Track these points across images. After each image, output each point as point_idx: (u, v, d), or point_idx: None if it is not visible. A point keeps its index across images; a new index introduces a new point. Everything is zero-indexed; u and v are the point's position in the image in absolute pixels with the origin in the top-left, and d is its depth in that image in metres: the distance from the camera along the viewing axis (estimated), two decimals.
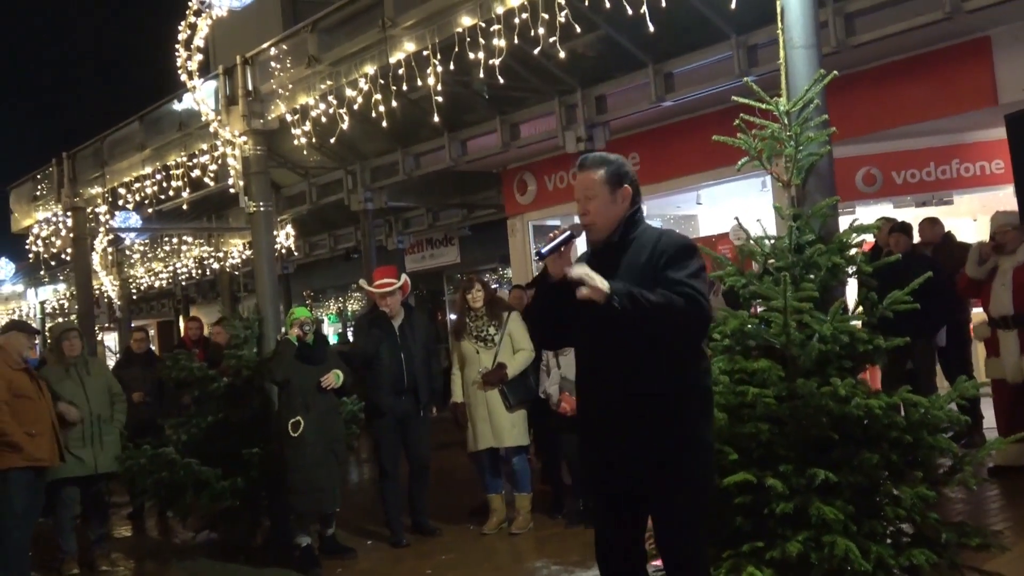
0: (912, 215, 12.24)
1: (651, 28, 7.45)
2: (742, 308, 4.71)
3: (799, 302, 4.23)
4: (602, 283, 3.44)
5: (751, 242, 4.65)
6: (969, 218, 12.40)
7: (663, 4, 7.46)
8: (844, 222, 4.74)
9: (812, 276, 4.38)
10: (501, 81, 8.23)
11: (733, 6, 7.48)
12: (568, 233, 3.70)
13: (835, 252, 4.37)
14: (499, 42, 8.02)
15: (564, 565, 6.67)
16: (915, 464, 4.16)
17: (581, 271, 3.49)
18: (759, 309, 4.57)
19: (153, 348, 20.77)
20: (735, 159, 4.79)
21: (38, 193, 16.35)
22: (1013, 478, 7.53)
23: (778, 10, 4.87)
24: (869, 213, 10.94)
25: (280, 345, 7.76)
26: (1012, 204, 8.40)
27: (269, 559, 7.72)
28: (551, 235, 3.72)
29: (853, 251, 4.49)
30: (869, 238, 5.91)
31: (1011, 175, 8.20)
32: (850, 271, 4.53)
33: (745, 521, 4.06)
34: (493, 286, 11.54)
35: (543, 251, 3.68)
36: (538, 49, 8.04)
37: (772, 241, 4.60)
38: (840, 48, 8.84)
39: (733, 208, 8.38)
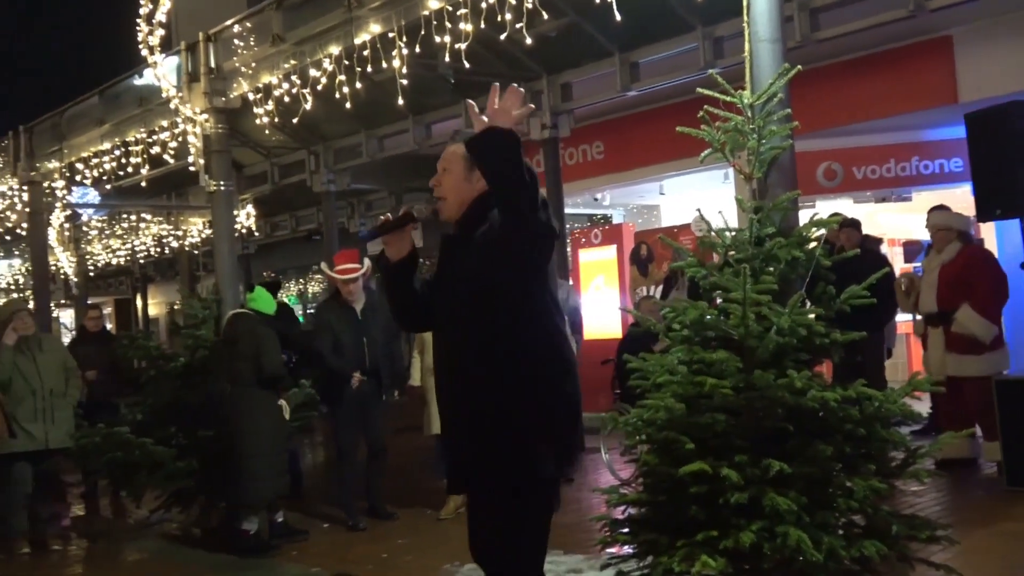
0: (870, 211, 12.40)
1: (618, 17, 7.46)
2: (703, 299, 4.73)
3: (758, 294, 4.26)
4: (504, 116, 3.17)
5: (712, 234, 4.67)
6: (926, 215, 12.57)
7: None
8: (804, 216, 4.78)
9: (771, 269, 4.40)
10: (467, 65, 8.19)
11: None
12: (401, 215, 3.56)
13: (794, 246, 4.40)
14: (465, 26, 7.98)
15: None
16: (868, 457, 4.21)
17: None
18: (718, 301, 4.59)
19: (109, 325, 20.55)
20: (698, 150, 4.80)
21: None
22: (958, 471, 7.69)
23: (744, 3, 4.88)
24: (829, 208, 11.05)
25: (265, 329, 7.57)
26: (969, 202, 8.52)
27: (220, 545, 7.66)
28: (384, 217, 3.61)
29: (812, 245, 4.52)
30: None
31: (969, 173, 8.33)
32: (809, 265, 4.55)
33: (700, 510, 4.08)
34: None
35: (363, 234, 3.55)
36: (504, 35, 8.01)
37: (733, 233, 4.62)
38: (804, 43, 8.90)
39: (695, 199, 8.45)
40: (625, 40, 10.08)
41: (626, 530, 4.44)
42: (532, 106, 3.45)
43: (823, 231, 4.54)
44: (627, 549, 4.46)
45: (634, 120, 12.80)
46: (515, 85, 3.22)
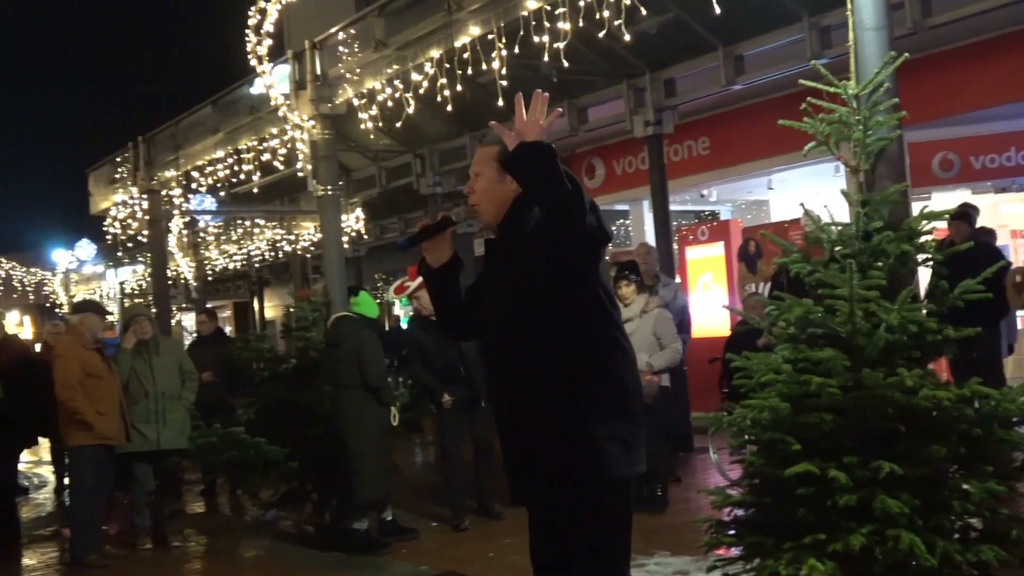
0: (991, 202, 11.93)
1: (717, 10, 7.35)
2: (809, 296, 4.61)
3: (865, 290, 4.13)
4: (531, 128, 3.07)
5: (818, 228, 4.54)
6: None
7: None
8: (919, 208, 4.61)
9: (880, 264, 4.26)
10: (566, 64, 8.17)
11: None
12: (439, 220, 3.45)
13: (904, 239, 4.25)
14: (564, 25, 7.97)
15: None
16: (985, 458, 4.05)
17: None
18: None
19: (228, 328, 21.09)
20: (805, 144, 4.69)
21: (116, 176, 16.74)
22: None
23: None
24: (946, 199, 10.68)
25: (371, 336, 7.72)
26: None
27: (332, 542, 7.79)
28: (422, 223, 3.51)
29: (924, 239, 4.36)
30: (941, 225, 5.75)
31: None
32: (920, 259, 4.40)
33: (807, 512, 3.98)
34: None
35: (401, 243, 3.49)
36: (604, 32, 7.96)
37: (839, 228, 4.49)
38: (916, 29, 8.60)
39: (805, 193, 8.26)
40: (729, 33, 9.90)
41: (732, 532, 4.36)
42: (560, 111, 3.31)
43: (935, 224, 4.38)
44: (734, 551, 4.39)
45: (740, 114, 12.59)
46: (539, 91, 3.12)
